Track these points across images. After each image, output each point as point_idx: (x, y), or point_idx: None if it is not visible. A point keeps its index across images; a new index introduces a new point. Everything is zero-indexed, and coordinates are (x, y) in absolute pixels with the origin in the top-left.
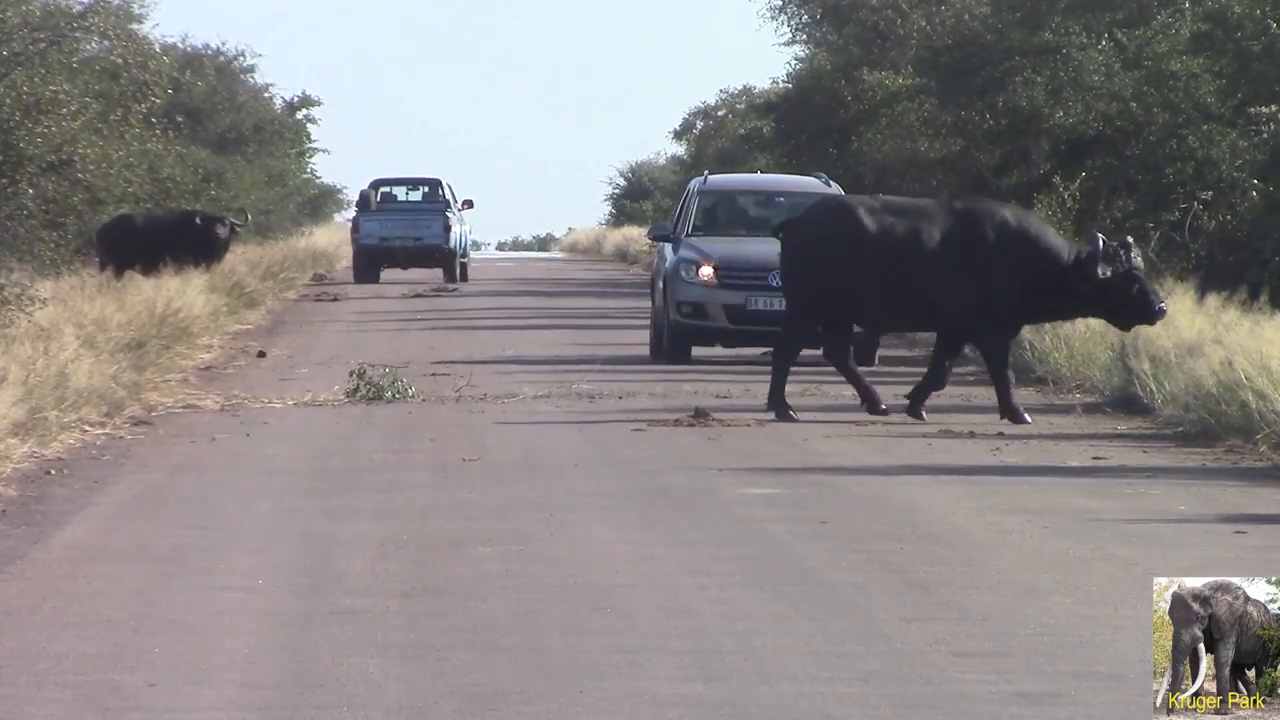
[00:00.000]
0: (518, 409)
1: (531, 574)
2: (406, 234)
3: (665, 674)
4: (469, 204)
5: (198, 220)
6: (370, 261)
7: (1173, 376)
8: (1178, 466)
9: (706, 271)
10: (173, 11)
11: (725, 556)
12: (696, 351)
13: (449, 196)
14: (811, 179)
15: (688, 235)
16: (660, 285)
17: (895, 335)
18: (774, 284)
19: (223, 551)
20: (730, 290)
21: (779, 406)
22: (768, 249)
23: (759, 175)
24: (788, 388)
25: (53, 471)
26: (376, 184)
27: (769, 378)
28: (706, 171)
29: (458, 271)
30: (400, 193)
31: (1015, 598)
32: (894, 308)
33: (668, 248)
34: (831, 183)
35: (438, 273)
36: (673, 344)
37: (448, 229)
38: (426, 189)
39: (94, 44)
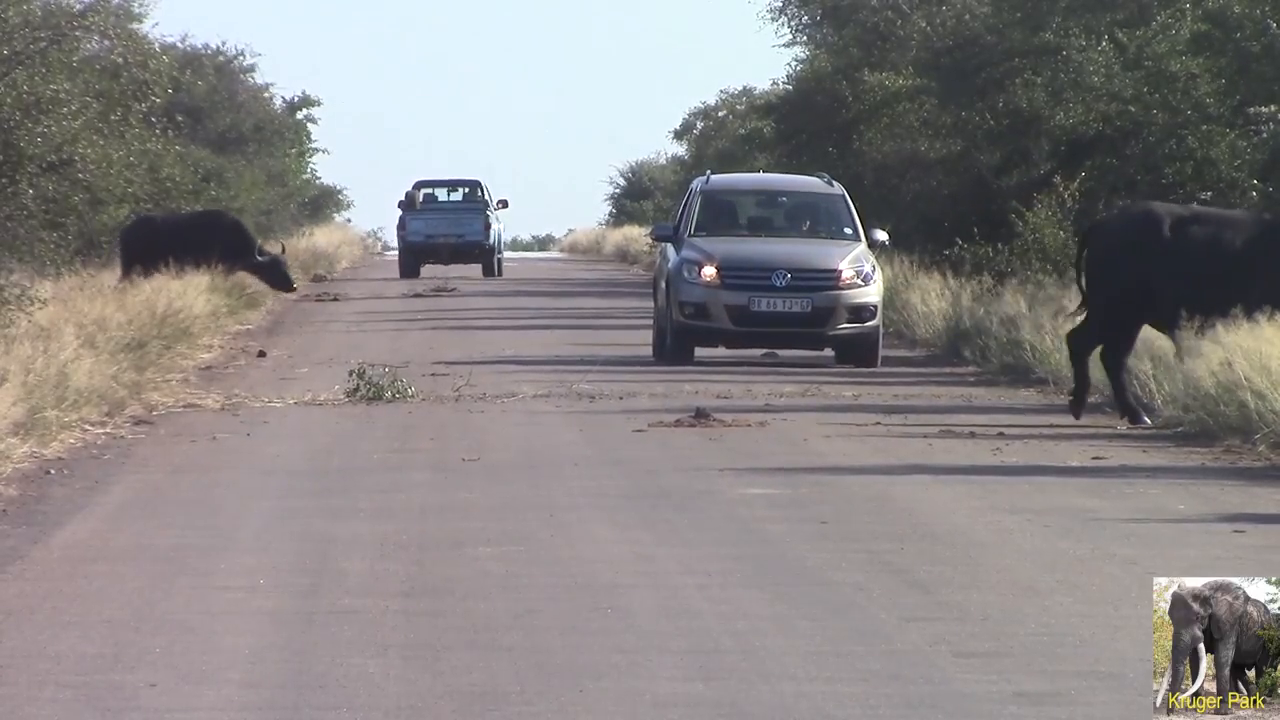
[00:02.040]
0: (518, 409)
1: (531, 574)
2: (450, 232)
3: (665, 674)
4: (504, 203)
5: (260, 256)
6: (415, 257)
7: (1172, 377)
8: (1177, 466)
9: (709, 272)
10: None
11: (725, 556)
12: (699, 352)
13: (486, 196)
14: (814, 179)
15: (690, 235)
16: (663, 286)
17: (896, 336)
18: (777, 284)
19: (223, 551)
20: (733, 291)
21: (1131, 412)
22: (771, 249)
23: (762, 175)
24: (787, 388)
25: (53, 471)
26: (419, 185)
27: (770, 378)
28: (709, 171)
29: (495, 267)
30: (442, 193)
31: (1015, 597)
32: (1196, 317)
33: (670, 248)
34: (834, 183)
35: (468, 269)
36: (675, 345)
37: (488, 227)
38: (466, 189)
39: (94, 43)
